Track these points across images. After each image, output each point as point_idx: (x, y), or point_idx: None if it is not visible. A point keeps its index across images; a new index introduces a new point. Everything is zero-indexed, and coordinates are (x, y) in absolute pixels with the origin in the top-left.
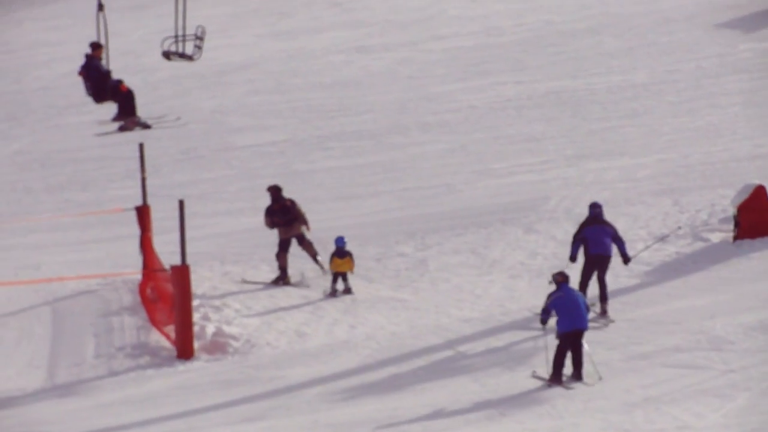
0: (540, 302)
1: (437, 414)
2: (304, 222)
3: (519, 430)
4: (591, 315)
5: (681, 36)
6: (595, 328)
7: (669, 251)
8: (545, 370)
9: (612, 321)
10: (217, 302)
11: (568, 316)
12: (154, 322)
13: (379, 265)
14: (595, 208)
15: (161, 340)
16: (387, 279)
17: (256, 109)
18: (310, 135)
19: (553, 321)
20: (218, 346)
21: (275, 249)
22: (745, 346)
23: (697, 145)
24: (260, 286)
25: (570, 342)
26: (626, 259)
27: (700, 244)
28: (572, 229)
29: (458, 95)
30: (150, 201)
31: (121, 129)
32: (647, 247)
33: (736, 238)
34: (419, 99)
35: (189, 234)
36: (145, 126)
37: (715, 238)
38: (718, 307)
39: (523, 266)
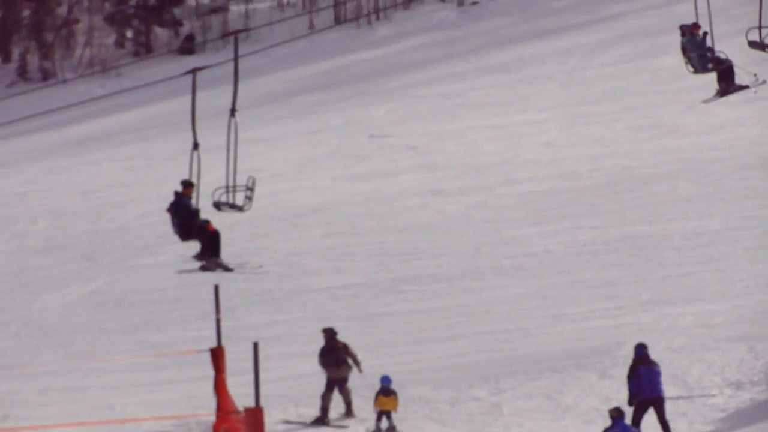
0: None
1: None
2: (357, 363)
3: None
4: None
5: (757, 182)
6: None
7: (744, 398)
8: None
9: None
10: None
11: None
12: None
13: (453, 408)
14: (643, 349)
15: None
16: (460, 423)
17: (331, 251)
18: (384, 278)
19: None
20: None
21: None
22: None
23: None
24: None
25: None
26: None
27: None
28: None
29: (533, 239)
30: (224, 342)
31: (203, 268)
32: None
33: None
34: (494, 243)
35: (263, 376)
36: (227, 269)
37: None
38: None
39: (597, 412)
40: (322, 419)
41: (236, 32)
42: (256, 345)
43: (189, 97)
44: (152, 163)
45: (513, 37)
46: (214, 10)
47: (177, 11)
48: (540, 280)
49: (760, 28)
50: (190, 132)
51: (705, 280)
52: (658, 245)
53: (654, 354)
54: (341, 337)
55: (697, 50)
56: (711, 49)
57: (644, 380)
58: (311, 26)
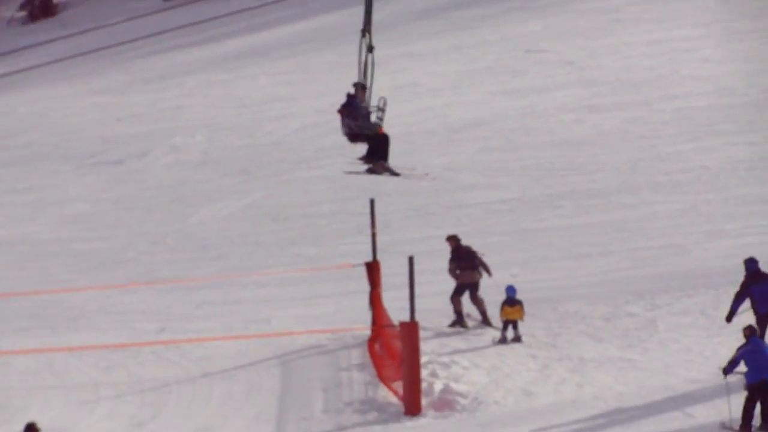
0: None
1: None
2: (486, 267)
3: None
4: None
5: None
6: None
7: None
8: (733, 421)
9: None
10: (445, 359)
11: (757, 368)
12: (382, 378)
13: (608, 324)
14: (753, 263)
15: (389, 396)
16: (615, 339)
17: (487, 166)
18: (540, 193)
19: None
20: (446, 403)
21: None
22: None
23: None
24: (488, 344)
25: (758, 393)
26: None
27: None
28: None
29: (690, 155)
30: (380, 257)
31: (369, 171)
32: None
33: None
34: (650, 159)
35: (418, 290)
36: (394, 173)
37: None
38: None
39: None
40: (460, 323)
41: None
42: (411, 259)
43: (347, 11)
44: (309, 77)
45: None
46: None
47: None
48: (696, 196)
49: None
50: (347, 46)
51: None
52: None
53: None
54: (496, 252)
55: None
56: None
57: (759, 298)
58: None
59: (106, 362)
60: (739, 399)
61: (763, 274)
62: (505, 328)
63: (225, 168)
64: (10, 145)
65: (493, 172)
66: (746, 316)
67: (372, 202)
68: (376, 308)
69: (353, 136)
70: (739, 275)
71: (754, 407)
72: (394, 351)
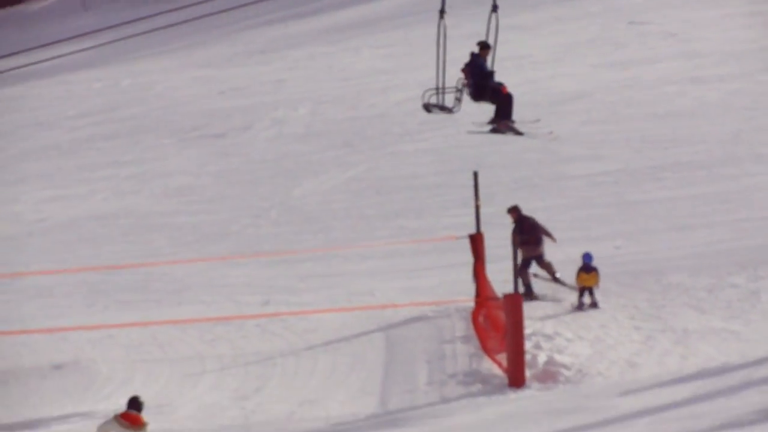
0: None
1: None
2: (550, 235)
3: None
4: None
5: None
6: None
7: None
8: None
9: None
10: (549, 331)
11: None
12: (486, 350)
13: (711, 296)
14: None
15: (493, 368)
16: (718, 310)
17: (590, 138)
18: (643, 165)
19: None
20: (550, 375)
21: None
22: None
23: None
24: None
25: None
26: None
27: None
28: None
29: None
30: (483, 229)
31: (493, 131)
32: None
33: None
34: (753, 130)
35: None
36: (518, 132)
37: None
38: None
39: None
40: (529, 295)
41: None
42: (514, 231)
43: None
44: (412, 50)
45: None
46: None
47: None
48: None
49: None
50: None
51: None
52: None
53: None
54: (599, 224)
55: None
56: None
57: None
58: None
59: (211, 335)
60: None
61: None
62: (581, 294)
63: (328, 141)
64: (114, 118)
65: (596, 144)
66: None
67: (475, 174)
68: (480, 280)
69: (477, 95)
70: None
71: None
72: (498, 323)
